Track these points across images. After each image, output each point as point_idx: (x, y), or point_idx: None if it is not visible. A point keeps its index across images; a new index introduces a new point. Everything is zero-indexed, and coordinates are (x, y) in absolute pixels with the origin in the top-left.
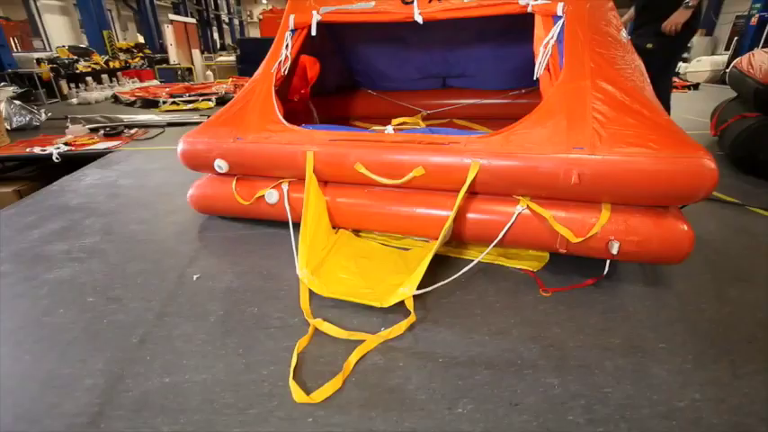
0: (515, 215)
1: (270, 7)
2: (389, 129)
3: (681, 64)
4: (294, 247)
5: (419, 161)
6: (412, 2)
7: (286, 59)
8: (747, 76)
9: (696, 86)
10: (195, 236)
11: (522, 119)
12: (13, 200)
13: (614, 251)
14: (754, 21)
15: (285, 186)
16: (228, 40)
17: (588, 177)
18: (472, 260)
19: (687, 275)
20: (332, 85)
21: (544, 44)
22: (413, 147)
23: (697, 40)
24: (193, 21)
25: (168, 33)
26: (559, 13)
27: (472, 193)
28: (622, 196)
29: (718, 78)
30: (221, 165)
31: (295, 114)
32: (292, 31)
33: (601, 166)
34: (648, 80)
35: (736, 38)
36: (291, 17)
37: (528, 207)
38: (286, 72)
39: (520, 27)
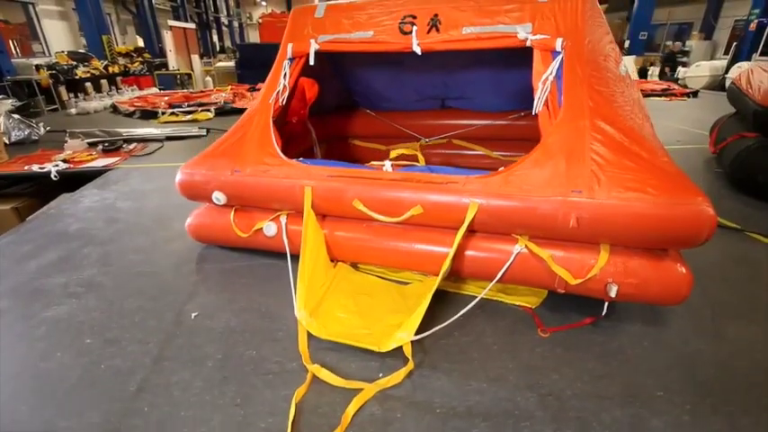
0: (514, 255)
1: (269, 10)
2: (387, 165)
3: (680, 69)
4: (292, 284)
5: (417, 199)
6: (410, 32)
7: (284, 89)
8: (746, 95)
9: (695, 94)
10: (193, 268)
11: (520, 159)
12: (12, 218)
13: (613, 294)
14: (753, 26)
15: (283, 219)
16: (228, 43)
17: (586, 221)
18: (470, 295)
19: (686, 311)
20: (330, 105)
21: (543, 80)
22: (411, 185)
23: (696, 45)
24: (193, 26)
25: (167, 39)
26: (558, 48)
27: (470, 230)
28: (621, 240)
29: (717, 84)
30: (219, 197)
31: (293, 136)
32: (290, 59)
33: (599, 211)
34: (648, 115)
35: (735, 43)
36: (289, 46)
37: (526, 247)
38: (284, 102)
39: (520, 52)
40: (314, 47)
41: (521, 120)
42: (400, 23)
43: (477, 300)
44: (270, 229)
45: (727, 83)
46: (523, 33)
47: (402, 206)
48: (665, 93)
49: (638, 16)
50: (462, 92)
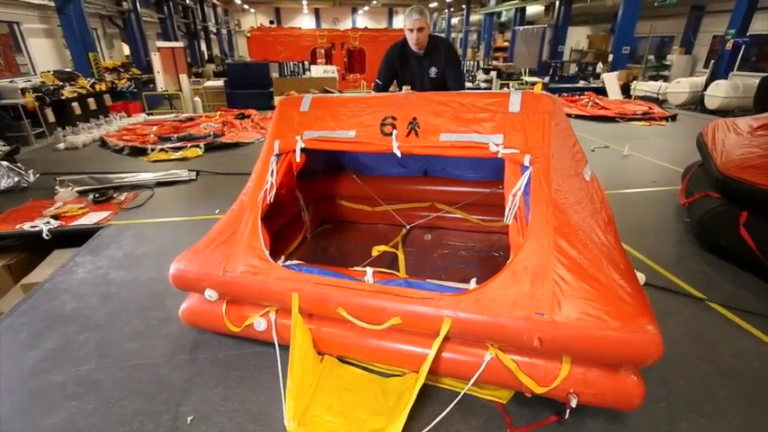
0: (485, 362)
1: (258, 19)
2: (369, 275)
3: (661, 84)
4: (281, 383)
5: (397, 310)
6: (391, 134)
7: (272, 187)
8: (710, 155)
9: (674, 117)
10: (187, 358)
11: (490, 278)
12: (4, 276)
13: (573, 404)
14: (729, 45)
15: (272, 315)
16: (216, 51)
17: (547, 341)
18: (446, 389)
19: (644, 404)
20: (318, 169)
21: (512, 193)
22: (391, 298)
23: (676, 60)
24: (181, 45)
25: (155, 60)
26: (526, 163)
27: (446, 337)
28: (579, 357)
29: (697, 100)
30: (211, 294)
31: (283, 203)
32: (277, 155)
33: (558, 332)
34: (612, 216)
35: (713, 60)
36: (276, 143)
37: (496, 355)
38: (272, 200)
39: None
40: (300, 144)
41: (499, 189)
42: (381, 124)
43: (453, 404)
44: (260, 324)
45: (706, 99)
46: (494, 146)
47: (383, 314)
48: (645, 117)
49: (621, 30)
50: (443, 166)
